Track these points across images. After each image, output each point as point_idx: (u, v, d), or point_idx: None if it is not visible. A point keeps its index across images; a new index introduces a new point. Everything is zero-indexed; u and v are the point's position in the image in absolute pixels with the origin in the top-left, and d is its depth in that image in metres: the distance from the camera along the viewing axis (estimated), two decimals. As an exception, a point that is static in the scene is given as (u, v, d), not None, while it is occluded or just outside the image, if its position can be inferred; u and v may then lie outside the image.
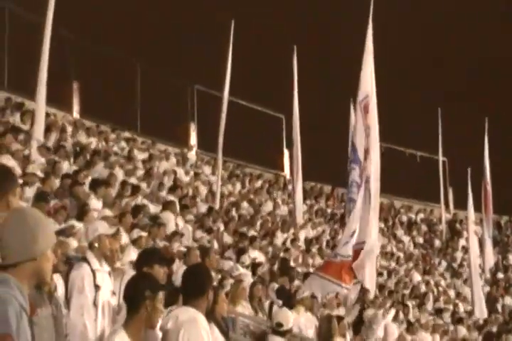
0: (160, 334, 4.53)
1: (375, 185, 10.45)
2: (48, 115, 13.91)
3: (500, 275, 21.94)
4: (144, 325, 4.02)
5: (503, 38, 29.37)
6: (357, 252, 10.07)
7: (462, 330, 14.31)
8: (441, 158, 25.51)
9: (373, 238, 10.12)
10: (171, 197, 13.78)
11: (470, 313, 15.90)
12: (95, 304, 5.79)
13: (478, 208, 18.80)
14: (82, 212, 9.41)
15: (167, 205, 12.19)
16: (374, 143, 10.65)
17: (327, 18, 26.67)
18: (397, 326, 11.08)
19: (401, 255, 20.13)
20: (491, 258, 20.98)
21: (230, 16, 16.16)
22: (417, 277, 18.26)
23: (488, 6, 29.14)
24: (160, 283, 4.30)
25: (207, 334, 4.42)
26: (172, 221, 11.66)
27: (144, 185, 13.69)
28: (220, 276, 9.95)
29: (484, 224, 20.21)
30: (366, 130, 10.67)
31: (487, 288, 19.24)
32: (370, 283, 10.52)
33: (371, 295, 10.96)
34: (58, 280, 6.10)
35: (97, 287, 5.84)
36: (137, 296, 4.04)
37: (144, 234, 9.34)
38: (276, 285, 10.86)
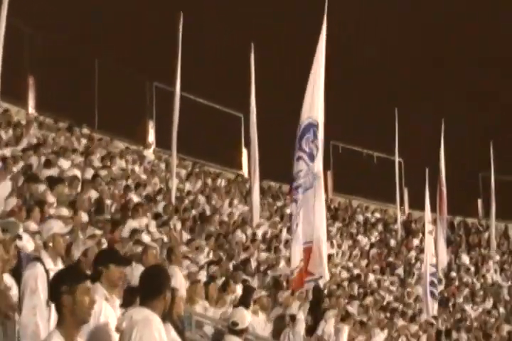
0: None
1: (319, 183, 10.47)
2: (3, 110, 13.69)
3: (453, 274, 22.34)
4: (72, 321, 3.87)
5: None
6: (307, 251, 10.08)
7: (414, 328, 14.53)
8: (397, 159, 25.84)
9: (321, 235, 10.10)
10: (130, 195, 13.70)
11: (420, 311, 16.16)
12: (48, 304, 5.72)
13: (432, 208, 19.09)
14: (34, 210, 9.27)
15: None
16: (320, 142, 10.63)
17: (285, 15, 26.77)
18: (349, 325, 11.16)
19: (357, 254, 20.34)
20: (444, 257, 21.34)
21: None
22: (371, 276, 18.49)
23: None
24: (81, 274, 4.10)
25: (159, 335, 4.40)
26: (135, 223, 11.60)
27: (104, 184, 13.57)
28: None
29: (438, 224, 20.54)
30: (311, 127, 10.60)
31: (440, 287, 19.57)
32: (322, 281, 10.58)
33: (324, 293, 11.03)
34: (11, 279, 6.00)
35: (50, 287, 5.76)
36: (55, 293, 3.90)
37: (99, 232, 9.27)
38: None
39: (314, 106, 10.63)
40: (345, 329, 10.06)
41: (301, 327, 9.58)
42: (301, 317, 9.70)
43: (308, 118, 10.60)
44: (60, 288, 3.87)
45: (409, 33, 29.48)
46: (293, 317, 9.80)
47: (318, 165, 10.43)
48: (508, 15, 29.81)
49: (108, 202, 12.64)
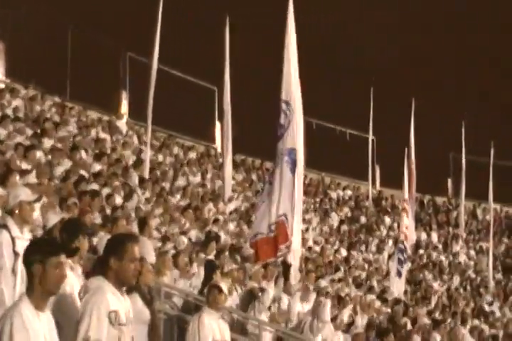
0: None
1: (300, 158, 10.46)
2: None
3: (421, 251, 22.60)
4: (42, 290, 3.90)
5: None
6: (280, 224, 10.09)
7: (377, 303, 14.64)
8: (371, 137, 25.91)
9: (289, 211, 10.11)
10: (99, 166, 13.55)
11: (388, 288, 16.31)
12: (14, 271, 5.63)
13: (401, 186, 19.22)
14: (4, 177, 9.12)
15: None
16: (298, 117, 10.60)
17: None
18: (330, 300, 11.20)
19: (327, 230, 20.45)
20: (413, 235, 21.57)
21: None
22: (342, 252, 18.60)
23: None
24: (57, 247, 4.10)
25: (110, 302, 4.31)
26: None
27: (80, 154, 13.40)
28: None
29: (407, 202, 20.69)
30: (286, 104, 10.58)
31: (408, 265, 19.79)
32: (295, 257, 10.61)
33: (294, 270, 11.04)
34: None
35: (16, 254, 5.66)
36: (28, 261, 3.95)
37: (74, 200, 9.20)
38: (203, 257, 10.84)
39: (286, 86, 10.60)
40: (328, 303, 10.12)
41: (266, 298, 9.60)
42: (269, 289, 9.71)
43: (281, 101, 10.61)
44: (32, 257, 3.92)
45: (388, 14, 29.42)
46: (262, 289, 9.82)
47: (289, 142, 10.38)
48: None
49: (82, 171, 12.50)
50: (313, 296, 10.83)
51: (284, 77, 10.73)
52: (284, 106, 10.68)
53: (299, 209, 10.63)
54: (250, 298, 9.84)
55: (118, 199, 11.85)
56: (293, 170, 10.35)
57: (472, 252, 24.59)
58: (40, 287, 3.88)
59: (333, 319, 10.08)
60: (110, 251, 4.45)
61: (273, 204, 10.23)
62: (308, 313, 10.16)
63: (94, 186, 11.60)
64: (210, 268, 9.29)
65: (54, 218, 7.48)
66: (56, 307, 4.71)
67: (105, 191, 11.78)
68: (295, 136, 10.51)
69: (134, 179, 14.12)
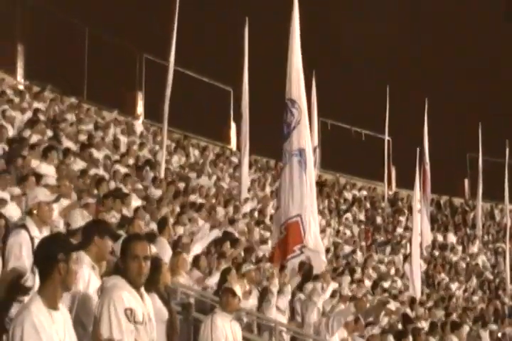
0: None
1: (309, 157, 10.39)
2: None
3: (436, 253, 22.48)
4: (59, 288, 3.87)
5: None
6: (293, 224, 10.02)
7: (396, 306, 14.59)
8: (386, 137, 25.83)
9: (302, 212, 10.02)
10: (119, 167, 13.61)
11: (406, 289, 16.23)
12: (33, 271, 5.65)
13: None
14: (22, 178, 9.20)
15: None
16: (304, 118, 10.53)
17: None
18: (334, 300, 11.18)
19: (345, 231, 20.38)
20: (428, 236, 21.48)
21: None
22: (358, 253, 18.54)
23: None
24: (72, 243, 4.14)
25: (125, 300, 4.33)
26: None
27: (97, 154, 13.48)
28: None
29: (422, 202, 20.62)
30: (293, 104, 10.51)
31: (424, 266, 19.69)
32: (316, 258, 10.53)
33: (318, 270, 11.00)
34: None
35: (35, 254, 5.69)
36: (50, 260, 3.87)
37: (92, 200, 9.24)
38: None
39: (291, 84, 10.56)
40: (331, 286, 10.11)
41: (272, 297, 9.57)
42: (274, 290, 9.67)
43: (286, 99, 10.57)
44: (56, 255, 3.86)
45: (401, 14, 29.32)
46: (269, 289, 9.79)
47: (297, 142, 10.33)
48: None
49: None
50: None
51: (288, 75, 10.65)
52: (289, 104, 10.60)
53: (314, 209, 10.57)
54: (263, 298, 9.84)
55: (135, 201, 11.88)
56: (305, 170, 10.30)
57: (490, 254, 24.43)
58: (60, 285, 3.85)
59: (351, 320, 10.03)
60: (120, 251, 4.51)
61: (283, 206, 10.18)
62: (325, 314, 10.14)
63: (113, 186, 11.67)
64: (224, 271, 9.26)
65: (79, 219, 7.53)
66: (81, 308, 4.73)
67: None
68: (304, 136, 10.45)
69: (150, 180, 14.17)
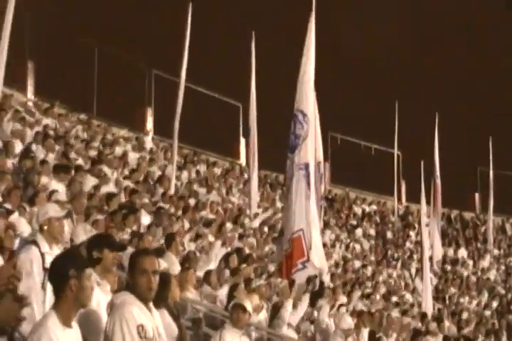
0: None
1: (311, 171, 10.36)
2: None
3: (448, 267, 22.34)
4: (73, 305, 3.88)
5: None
6: (296, 239, 9.98)
7: (406, 320, 14.48)
8: (396, 152, 25.80)
9: (305, 226, 9.98)
10: (128, 183, 13.65)
11: (417, 304, 16.12)
12: (43, 287, 5.67)
13: (428, 202, 19.08)
14: (33, 194, 9.24)
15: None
16: (311, 132, 10.49)
17: (285, 5, 26.58)
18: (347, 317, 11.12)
19: (354, 246, 20.31)
20: (439, 251, 21.35)
21: (188, 1, 15.95)
22: (368, 268, 18.46)
23: None
24: (85, 259, 4.15)
25: (136, 316, 4.31)
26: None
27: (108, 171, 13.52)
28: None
29: (432, 217, 20.54)
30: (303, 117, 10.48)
31: (435, 281, 19.58)
32: (321, 272, 10.51)
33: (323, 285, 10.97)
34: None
35: (46, 270, 5.70)
36: (61, 276, 3.87)
37: (101, 217, 9.24)
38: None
39: (301, 97, 10.53)
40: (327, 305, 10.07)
41: (285, 313, 9.52)
42: (289, 305, 9.63)
43: (295, 110, 10.52)
44: (68, 272, 3.86)
45: (409, 27, 29.37)
46: (281, 305, 9.75)
47: (302, 155, 10.29)
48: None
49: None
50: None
51: (299, 86, 10.61)
52: (300, 116, 10.56)
53: (317, 224, 10.51)
54: (274, 314, 9.78)
55: (145, 218, 11.90)
56: (309, 185, 10.28)
57: (502, 268, 24.26)
58: (74, 302, 3.85)
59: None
60: (128, 266, 4.49)
61: (289, 220, 10.14)
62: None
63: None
64: (231, 287, 9.22)
65: (82, 234, 7.54)
66: (83, 324, 4.72)
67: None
68: (310, 150, 10.44)
69: (159, 195, 14.19)
